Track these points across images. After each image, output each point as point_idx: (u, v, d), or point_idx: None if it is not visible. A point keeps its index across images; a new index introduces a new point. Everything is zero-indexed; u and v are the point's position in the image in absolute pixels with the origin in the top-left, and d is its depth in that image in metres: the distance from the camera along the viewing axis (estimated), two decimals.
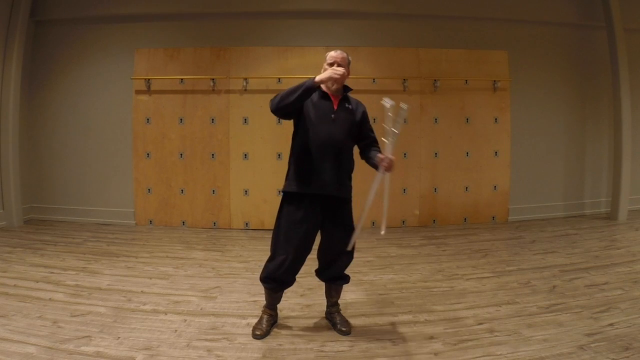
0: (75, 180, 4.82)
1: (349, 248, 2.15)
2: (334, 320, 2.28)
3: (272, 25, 4.67)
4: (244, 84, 4.57)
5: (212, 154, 4.65)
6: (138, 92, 4.64)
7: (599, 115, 5.17)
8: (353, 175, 2.24)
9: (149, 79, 4.58)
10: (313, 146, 2.09)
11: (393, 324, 2.33)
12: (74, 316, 2.35)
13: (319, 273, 2.29)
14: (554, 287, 2.82)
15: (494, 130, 4.83)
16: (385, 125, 2.03)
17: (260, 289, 2.78)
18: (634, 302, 2.53)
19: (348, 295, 2.63)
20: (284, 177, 2.21)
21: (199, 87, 4.60)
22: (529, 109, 4.93)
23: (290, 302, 2.55)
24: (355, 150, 2.26)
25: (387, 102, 2.01)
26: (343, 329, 2.22)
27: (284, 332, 2.23)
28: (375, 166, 2.12)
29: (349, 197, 2.20)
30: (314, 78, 2.01)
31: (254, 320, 2.30)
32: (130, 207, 4.74)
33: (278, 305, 2.34)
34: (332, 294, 2.32)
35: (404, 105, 2.00)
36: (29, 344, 2.02)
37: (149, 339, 2.11)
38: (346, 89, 2.21)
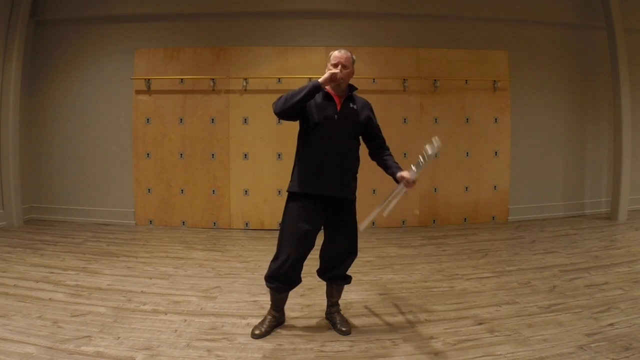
0: (75, 180, 4.82)
1: (362, 229, 2.17)
2: (334, 320, 2.28)
3: (272, 25, 4.67)
4: (244, 84, 4.57)
5: (212, 154, 4.65)
6: (138, 92, 4.64)
7: (599, 115, 5.17)
8: (359, 174, 2.23)
9: (149, 79, 4.58)
10: (316, 147, 2.10)
11: (393, 324, 2.33)
12: (74, 316, 2.35)
13: (321, 273, 2.29)
14: (554, 287, 2.82)
15: (494, 130, 4.83)
16: (420, 157, 2.09)
17: (260, 289, 2.79)
18: (634, 302, 2.53)
19: (348, 295, 2.63)
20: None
21: (199, 87, 4.60)
22: (529, 109, 4.93)
23: (290, 302, 2.53)
24: (363, 150, 2.25)
25: (434, 143, 2.01)
26: (343, 329, 2.22)
27: (284, 332, 2.23)
28: (393, 176, 2.16)
29: (353, 198, 2.19)
30: (319, 80, 2.02)
31: (254, 320, 2.30)
32: (130, 207, 4.74)
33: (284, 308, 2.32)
34: (333, 294, 2.32)
35: (436, 143, 2.06)
36: (29, 344, 2.02)
37: (149, 339, 2.11)
38: (351, 88, 2.19)
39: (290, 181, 2.18)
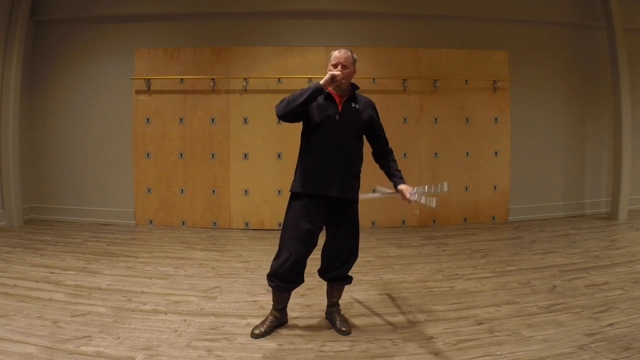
0: (75, 180, 4.82)
1: (361, 198, 2.20)
2: (334, 320, 2.28)
3: (272, 25, 4.67)
4: (244, 84, 4.57)
5: (212, 154, 4.65)
6: (138, 92, 4.64)
7: (599, 115, 5.17)
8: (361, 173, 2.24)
9: (149, 79, 4.58)
10: (317, 148, 2.10)
11: (393, 324, 2.33)
12: (74, 316, 2.35)
13: (322, 273, 2.29)
14: (554, 287, 2.82)
15: (494, 130, 4.83)
16: (427, 186, 2.08)
17: (260, 289, 2.79)
18: (634, 302, 2.53)
19: (348, 295, 2.63)
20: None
21: (199, 87, 4.60)
22: (529, 109, 4.93)
23: (290, 302, 2.53)
24: (367, 149, 2.25)
25: (445, 187, 2.00)
26: (343, 329, 2.22)
27: (284, 332, 2.23)
28: (394, 185, 2.19)
29: (355, 198, 2.18)
30: (320, 82, 2.02)
31: (254, 320, 2.30)
32: (130, 207, 4.74)
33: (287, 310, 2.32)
34: (334, 294, 2.32)
35: (447, 187, 2.02)
36: (29, 344, 2.02)
37: (149, 339, 2.11)
38: (353, 87, 2.19)
39: (293, 181, 2.18)
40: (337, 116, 2.10)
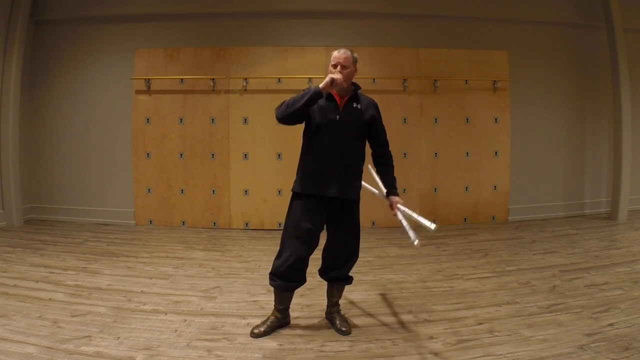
0: (75, 180, 4.82)
1: (363, 185, 2.22)
2: (334, 320, 2.28)
3: (272, 25, 4.66)
4: (244, 84, 4.57)
5: (212, 154, 4.65)
6: (138, 92, 4.64)
7: (599, 115, 5.17)
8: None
9: (149, 79, 4.58)
10: (318, 148, 2.10)
11: (393, 324, 2.33)
12: (74, 316, 2.35)
13: (322, 273, 2.29)
14: (554, 287, 2.82)
15: (494, 130, 4.83)
16: (415, 214, 2.06)
17: (260, 289, 2.79)
18: (634, 302, 2.53)
19: (348, 295, 2.63)
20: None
21: (199, 87, 4.60)
22: (529, 109, 4.93)
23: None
24: (368, 148, 2.25)
25: (432, 226, 1.97)
26: (343, 329, 2.21)
27: (284, 332, 2.22)
28: (386, 192, 2.23)
29: (355, 199, 2.18)
30: (319, 85, 2.01)
31: (254, 320, 2.30)
32: (130, 207, 4.74)
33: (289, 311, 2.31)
34: (334, 294, 2.32)
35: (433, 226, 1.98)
36: (29, 344, 2.02)
37: (149, 339, 2.11)
38: (355, 87, 2.18)
39: (295, 181, 2.18)
40: (337, 116, 2.10)
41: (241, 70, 4.59)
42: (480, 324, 2.30)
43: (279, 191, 4.58)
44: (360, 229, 2.26)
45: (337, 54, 2.09)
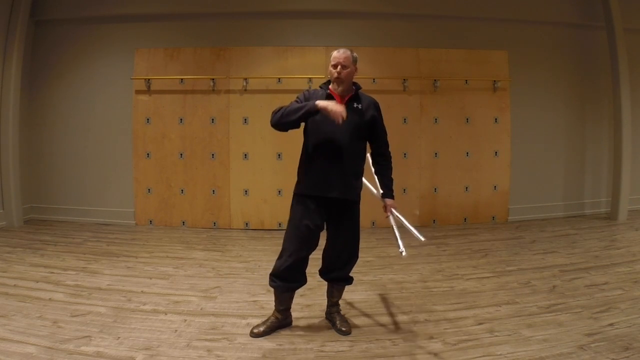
0: (75, 180, 4.82)
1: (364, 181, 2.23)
2: (334, 320, 2.28)
3: (272, 25, 4.66)
4: (244, 84, 4.57)
5: (212, 154, 4.65)
6: (138, 92, 4.64)
7: (599, 116, 5.16)
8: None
9: (149, 79, 4.58)
10: (317, 149, 2.09)
11: (393, 324, 2.33)
12: (74, 316, 2.35)
13: (322, 273, 2.29)
14: (554, 287, 2.82)
15: (494, 130, 4.83)
16: (408, 223, 2.13)
17: (260, 289, 2.79)
18: (634, 302, 2.53)
19: (348, 295, 2.62)
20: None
21: (199, 87, 4.60)
22: (529, 109, 4.93)
23: None
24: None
25: (422, 237, 2.05)
26: (343, 329, 2.21)
27: (284, 332, 2.22)
28: (382, 194, 2.24)
29: (356, 199, 2.18)
30: (317, 104, 1.97)
31: (254, 320, 2.30)
32: (130, 207, 4.74)
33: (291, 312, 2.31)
34: (334, 294, 2.32)
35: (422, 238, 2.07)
36: (29, 344, 2.02)
37: (149, 339, 2.11)
38: (356, 86, 2.17)
39: (296, 182, 2.19)
40: None
41: (241, 70, 4.59)
42: (480, 324, 2.30)
43: (279, 191, 4.58)
44: (360, 229, 2.26)
45: (337, 54, 2.09)
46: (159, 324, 2.29)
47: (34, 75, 4.80)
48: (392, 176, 2.27)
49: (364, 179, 2.26)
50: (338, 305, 2.35)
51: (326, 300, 2.37)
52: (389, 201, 2.21)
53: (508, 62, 4.81)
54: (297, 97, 2.16)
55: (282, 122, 2.04)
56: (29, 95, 4.78)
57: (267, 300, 2.57)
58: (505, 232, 4.41)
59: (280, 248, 2.17)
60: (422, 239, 2.03)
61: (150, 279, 3.00)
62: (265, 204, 4.63)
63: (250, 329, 2.20)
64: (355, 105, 2.13)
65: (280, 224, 4.58)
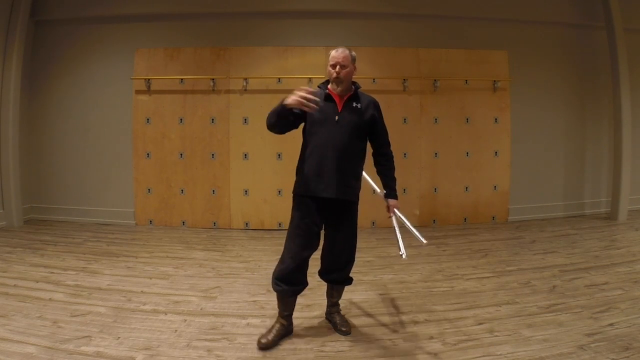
0: (75, 180, 4.82)
1: (364, 176, 2.24)
2: (334, 320, 2.28)
3: (272, 25, 4.66)
4: (244, 84, 4.57)
5: (212, 154, 4.65)
6: (138, 92, 4.64)
7: (598, 115, 5.16)
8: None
9: (149, 79, 4.58)
10: (316, 149, 2.08)
11: (393, 324, 2.33)
12: (74, 316, 2.35)
13: (322, 274, 2.28)
14: (554, 287, 2.82)
15: (494, 130, 4.83)
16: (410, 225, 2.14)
17: (260, 289, 2.79)
18: (634, 302, 2.53)
19: (348, 295, 2.62)
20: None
21: (199, 87, 4.60)
22: (529, 109, 4.93)
23: None
24: (369, 148, 2.24)
25: (424, 240, 2.08)
26: (343, 329, 2.21)
27: None
28: (385, 194, 2.25)
29: (354, 200, 2.17)
30: (285, 100, 1.95)
31: (254, 320, 2.30)
32: (130, 207, 4.74)
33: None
34: (334, 295, 2.32)
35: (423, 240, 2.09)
36: (29, 344, 2.02)
37: (149, 339, 2.11)
38: (355, 85, 2.16)
39: (295, 182, 2.18)
40: (336, 117, 2.08)
41: (241, 70, 4.59)
42: (480, 324, 2.30)
43: (279, 191, 4.58)
44: (360, 229, 2.26)
45: (335, 54, 2.08)
46: (159, 324, 2.29)
47: (34, 75, 4.80)
48: (395, 176, 2.26)
49: (368, 178, 2.26)
50: (338, 305, 2.35)
51: (326, 301, 2.36)
52: (392, 201, 2.20)
53: (508, 62, 4.81)
54: None
55: (267, 125, 2.09)
56: (29, 95, 4.78)
57: (267, 301, 2.58)
58: (505, 232, 4.41)
59: (280, 248, 2.17)
60: (424, 241, 2.03)
61: (150, 279, 3.00)
62: (265, 204, 4.63)
63: (258, 339, 2.09)
64: (354, 104, 2.11)
65: (280, 224, 4.58)
